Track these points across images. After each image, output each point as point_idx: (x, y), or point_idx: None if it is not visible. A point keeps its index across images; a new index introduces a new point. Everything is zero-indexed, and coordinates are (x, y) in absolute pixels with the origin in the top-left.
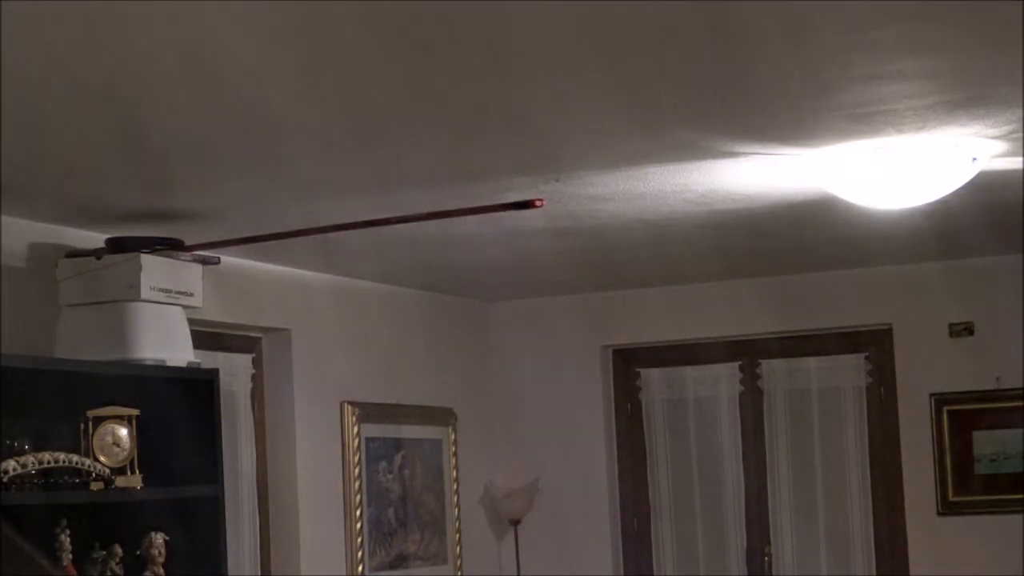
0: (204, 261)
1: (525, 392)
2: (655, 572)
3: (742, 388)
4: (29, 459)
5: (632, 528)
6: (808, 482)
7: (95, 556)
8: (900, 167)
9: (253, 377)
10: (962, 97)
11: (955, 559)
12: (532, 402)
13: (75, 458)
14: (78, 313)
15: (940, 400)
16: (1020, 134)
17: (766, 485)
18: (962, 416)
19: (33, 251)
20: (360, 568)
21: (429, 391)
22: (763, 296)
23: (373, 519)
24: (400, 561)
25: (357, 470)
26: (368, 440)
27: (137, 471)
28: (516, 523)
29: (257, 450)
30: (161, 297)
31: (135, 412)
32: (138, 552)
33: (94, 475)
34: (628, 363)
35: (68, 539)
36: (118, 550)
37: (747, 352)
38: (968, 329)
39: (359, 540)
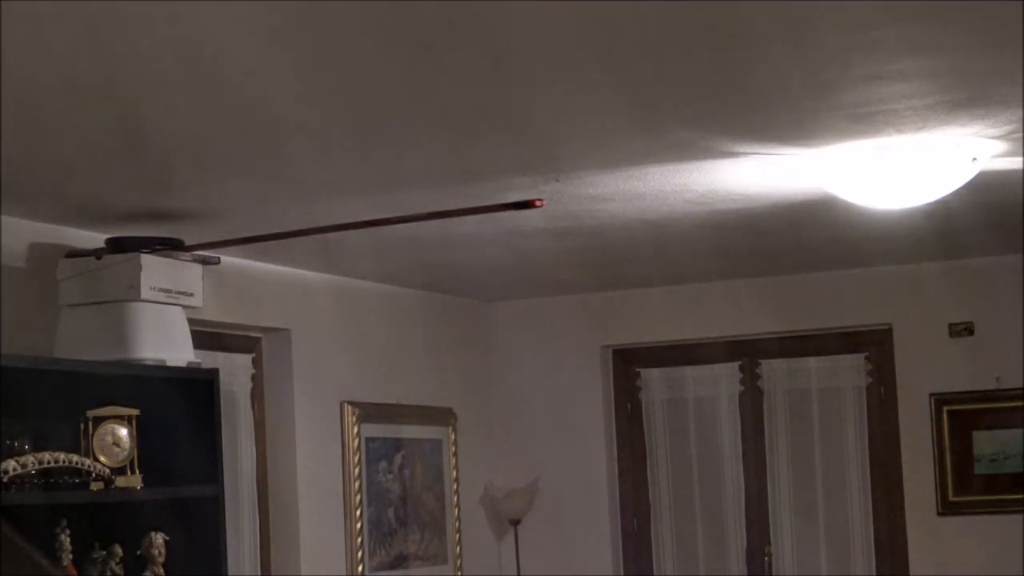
0: (204, 261)
1: (525, 392)
2: (655, 572)
3: (742, 388)
4: (29, 459)
5: (632, 528)
6: (808, 482)
7: (95, 556)
8: (900, 167)
9: (253, 377)
10: (962, 97)
11: (955, 559)
12: (532, 402)
13: (75, 458)
14: (78, 313)
15: (940, 400)
16: (1020, 134)
17: (766, 485)
18: (962, 416)
19: (33, 251)
20: (360, 568)
21: (429, 391)
22: (763, 296)
23: (373, 519)
24: (400, 561)
25: (357, 470)
26: (368, 440)
27: (137, 471)
28: (516, 523)
29: (257, 450)
30: (161, 297)
31: (135, 412)
32: (138, 552)
33: (94, 475)
34: (628, 363)
35: (68, 539)
36: (118, 550)
37: (747, 352)
38: (968, 329)
39: (359, 540)
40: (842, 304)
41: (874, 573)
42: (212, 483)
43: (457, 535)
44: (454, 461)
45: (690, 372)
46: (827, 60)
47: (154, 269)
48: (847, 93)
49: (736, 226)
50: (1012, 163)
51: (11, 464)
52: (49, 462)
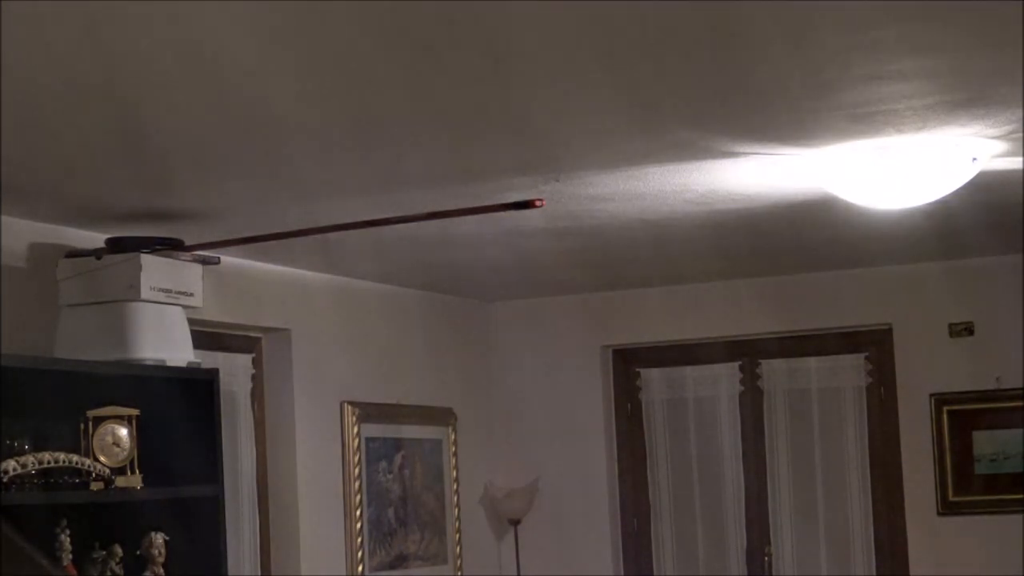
0: (204, 261)
1: (525, 392)
2: (655, 572)
3: (742, 388)
4: (29, 459)
5: (632, 528)
6: (808, 482)
7: (95, 556)
8: (900, 167)
9: (253, 377)
10: (962, 97)
11: (955, 559)
12: (532, 402)
13: (75, 458)
14: (78, 313)
15: (940, 400)
16: (1020, 134)
17: (766, 485)
18: (962, 416)
19: (33, 251)
20: (360, 568)
21: (429, 391)
22: (763, 296)
23: (373, 519)
24: (400, 561)
25: (357, 470)
26: (368, 440)
27: (137, 471)
28: (516, 523)
29: (257, 450)
30: (161, 297)
31: (135, 412)
32: (138, 552)
33: (94, 475)
34: (628, 363)
35: (68, 539)
36: (118, 550)
37: (747, 352)
38: (968, 329)
39: (359, 540)
40: (842, 304)
41: (874, 573)
42: (212, 483)
43: (457, 535)
44: (454, 461)
45: (690, 372)
46: (827, 60)
47: (154, 269)
48: (847, 93)
49: (736, 226)
50: (1012, 163)
51: (11, 464)
52: (49, 462)
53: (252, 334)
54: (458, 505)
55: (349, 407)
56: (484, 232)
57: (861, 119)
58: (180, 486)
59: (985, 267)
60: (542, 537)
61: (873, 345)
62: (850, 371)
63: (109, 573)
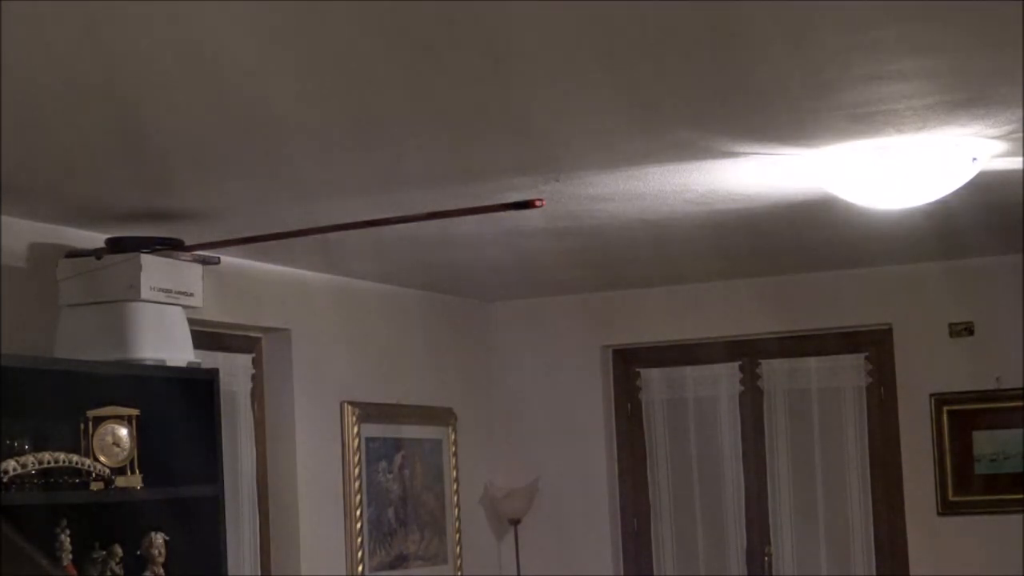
0: (204, 261)
1: (525, 392)
2: (655, 572)
3: (742, 388)
4: (29, 459)
5: (632, 528)
6: (808, 482)
7: (95, 556)
8: (900, 167)
9: (253, 377)
10: (962, 97)
11: (955, 559)
12: (532, 402)
13: (75, 458)
14: (78, 313)
15: (940, 400)
16: (1020, 134)
17: (766, 485)
18: (962, 416)
19: (33, 251)
20: (360, 568)
21: (429, 391)
22: (763, 296)
23: (373, 519)
24: (400, 561)
25: (357, 470)
26: (368, 440)
27: (137, 471)
28: (516, 523)
29: (257, 450)
30: (161, 297)
31: (135, 412)
32: (138, 552)
33: (94, 475)
34: (628, 363)
35: (68, 539)
36: (118, 550)
37: (747, 352)
38: (968, 329)
39: (359, 540)
40: (842, 304)
41: (874, 573)
42: (212, 483)
43: (457, 535)
44: (454, 461)
45: (690, 372)
46: (827, 60)
47: (154, 269)
48: (847, 93)
49: (736, 226)
50: (1012, 163)
51: (11, 464)
52: (49, 462)
53: (252, 334)
54: (458, 505)
55: (349, 407)
56: (484, 232)
57: (861, 119)
58: (180, 486)
59: (985, 267)
60: (542, 537)
61: (873, 345)
62: (850, 371)
63: (109, 573)
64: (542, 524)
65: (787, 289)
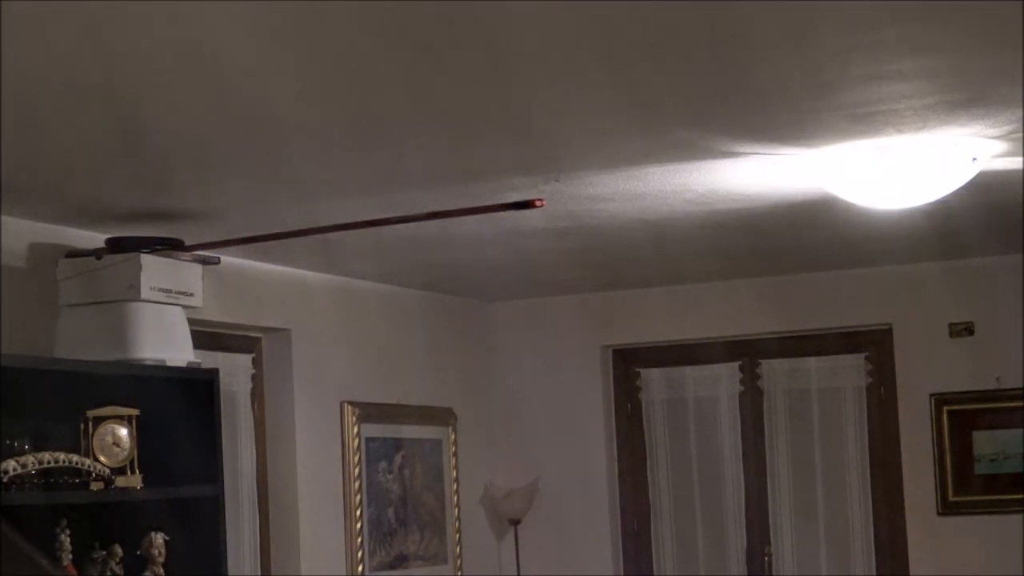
0: (204, 261)
1: (525, 392)
2: (655, 572)
3: (742, 388)
4: (29, 459)
5: (632, 528)
6: (808, 482)
7: (95, 556)
8: (900, 167)
9: (253, 377)
10: (962, 97)
11: (955, 559)
12: (532, 402)
13: (75, 458)
14: (78, 313)
15: (940, 400)
16: (1020, 134)
17: (766, 485)
18: (962, 416)
19: (33, 251)
20: (360, 568)
21: (429, 391)
22: (763, 296)
23: (373, 519)
24: (400, 561)
25: (357, 470)
26: (368, 440)
27: (137, 471)
28: (516, 523)
29: (257, 450)
30: (161, 297)
31: (135, 412)
32: (138, 552)
33: (94, 475)
34: (628, 363)
35: (68, 539)
36: (118, 550)
37: (747, 352)
38: (968, 329)
39: (359, 540)
40: (842, 304)
41: (874, 573)
42: (212, 483)
43: (457, 535)
44: (454, 461)
45: (690, 372)
46: (827, 60)
47: (154, 269)
48: (847, 93)
49: (736, 226)
50: (1012, 163)
51: (11, 464)
52: (49, 462)
53: (252, 334)
54: (458, 505)
55: (349, 407)
56: (484, 232)
57: (861, 119)
58: (180, 486)
59: (985, 267)
60: (542, 537)
61: (873, 345)
62: (850, 371)
63: (109, 573)
64: (542, 524)
65: (787, 289)
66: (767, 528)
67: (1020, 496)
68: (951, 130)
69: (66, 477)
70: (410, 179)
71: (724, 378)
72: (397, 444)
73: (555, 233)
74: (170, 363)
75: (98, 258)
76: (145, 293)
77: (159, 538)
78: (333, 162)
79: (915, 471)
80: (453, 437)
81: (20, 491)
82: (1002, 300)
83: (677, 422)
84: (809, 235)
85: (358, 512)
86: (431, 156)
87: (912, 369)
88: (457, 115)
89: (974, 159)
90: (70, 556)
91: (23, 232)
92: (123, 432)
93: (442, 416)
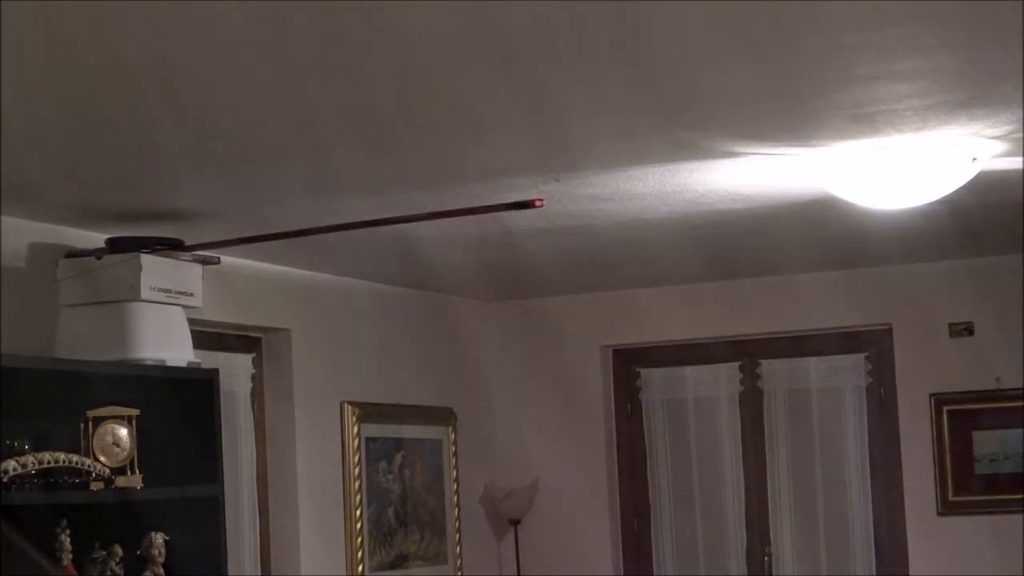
0: (204, 261)
1: (525, 392)
2: (655, 572)
3: (742, 388)
4: (29, 459)
5: (632, 528)
6: (808, 482)
7: (95, 556)
8: (900, 167)
9: (253, 377)
10: (962, 97)
11: (955, 559)
12: (532, 402)
13: (75, 458)
14: (78, 313)
15: (940, 400)
16: (1020, 134)
17: (766, 485)
18: (962, 416)
19: (33, 251)
20: (360, 568)
21: (429, 391)
22: (763, 296)
23: (373, 519)
24: (400, 561)
25: (357, 470)
26: (368, 440)
27: (137, 471)
28: (516, 523)
29: (257, 450)
30: (161, 297)
31: (135, 412)
32: (138, 552)
33: (94, 475)
34: (628, 363)
35: (68, 539)
36: (118, 550)
37: (747, 352)
38: (968, 329)
39: (359, 540)
40: (842, 304)
41: (874, 573)
42: (212, 483)
43: (457, 535)
44: (454, 461)
45: (690, 372)
46: (827, 60)
47: (154, 269)
48: (847, 93)
49: (736, 226)
50: (1012, 163)
51: (11, 464)
52: (49, 462)
53: (252, 334)
54: (458, 505)
55: (349, 407)
56: (484, 232)
57: (861, 119)
58: (180, 486)
59: (985, 267)
60: (542, 537)
61: (873, 345)
62: (850, 371)
63: (109, 573)
64: (542, 524)
65: (787, 289)
66: (767, 528)
67: (1020, 496)
68: (951, 130)
69: (66, 477)
70: (410, 179)
71: (724, 378)
72: (397, 444)
73: (555, 233)
74: (170, 363)
75: (98, 258)
76: (145, 293)
77: (159, 538)
78: (333, 162)
79: (915, 471)
80: (453, 437)
81: (20, 491)
82: (1002, 300)
83: (677, 422)
84: (809, 235)
85: (358, 512)
86: (431, 156)
87: (912, 369)
88: (457, 115)
89: (974, 159)
90: (70, 556)
91: (23, 232)
92: (123, 432)
93: (442, 416)
